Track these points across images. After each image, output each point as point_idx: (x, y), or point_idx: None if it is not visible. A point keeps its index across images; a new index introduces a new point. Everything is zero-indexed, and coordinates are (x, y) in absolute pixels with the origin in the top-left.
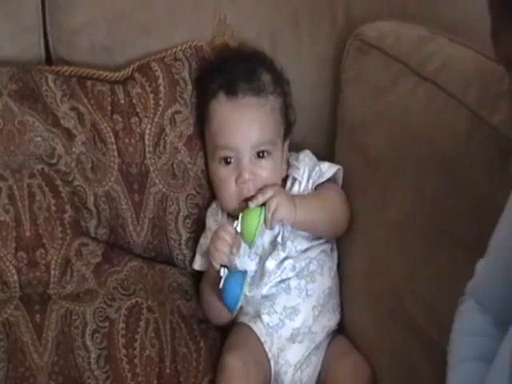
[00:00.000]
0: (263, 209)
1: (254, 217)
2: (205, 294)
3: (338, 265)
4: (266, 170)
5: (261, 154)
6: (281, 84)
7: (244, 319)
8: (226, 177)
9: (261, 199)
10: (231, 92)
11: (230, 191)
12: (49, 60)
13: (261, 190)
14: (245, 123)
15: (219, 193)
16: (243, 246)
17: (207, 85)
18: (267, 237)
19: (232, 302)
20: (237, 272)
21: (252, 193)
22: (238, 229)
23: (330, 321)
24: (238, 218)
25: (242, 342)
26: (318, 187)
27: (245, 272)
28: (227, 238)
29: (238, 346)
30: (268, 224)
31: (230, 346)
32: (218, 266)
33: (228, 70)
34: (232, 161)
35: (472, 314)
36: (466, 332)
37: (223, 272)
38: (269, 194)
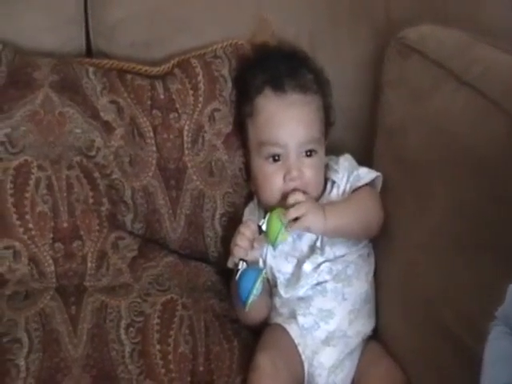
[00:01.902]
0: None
1: (278, 221)
2: (233, 298)
3: (375, 270)
4: (312, 169)
5: (308, 153)
6: (322, 84)
7: (278, 320)
8: (272, 173)
9: (292, 214)
10: (279, 88)
11: (276, 187)
12: (89, 53)
13: (291, 194)
14: (294, 120)
15: (263, 188)
16: (282, 248)
17: (251, 80)
18: (306, 240)
19: (244, 296)
20: (254, 268)
21: (298, 188)
22: (264, 227)
23: (365, 326)
24: (265, 217)
25: (274, 342)
26: (354, 191)
27: (261, 269)
28: (247, 233)
29: (270, 345)
30: (290, 226)
31: (263, 345)
32: (236, 260)
33: (272, 65)
34: (280, 158)
35: (503, 339)
36: (499, 357)
37: (241, 265)
38: (301, 209)
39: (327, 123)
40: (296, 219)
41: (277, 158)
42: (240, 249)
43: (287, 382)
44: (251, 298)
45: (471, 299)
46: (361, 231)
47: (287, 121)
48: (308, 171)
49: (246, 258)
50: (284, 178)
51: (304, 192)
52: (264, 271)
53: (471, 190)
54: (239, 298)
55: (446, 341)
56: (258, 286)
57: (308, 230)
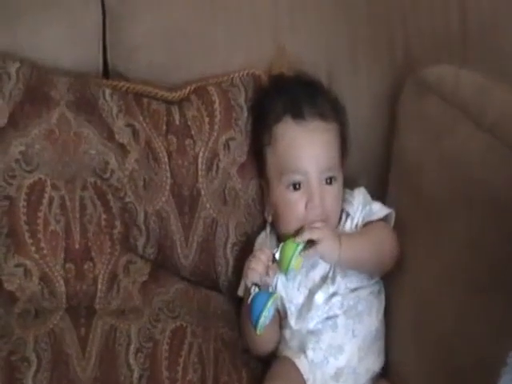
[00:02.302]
0: (302, 242)
1: (292, 246)
2: (243, 324)
3: (386, 307)
4: (332, 197)
5: (328, 181)
6: (339, 112)
7: (288, 353)
8: (295, 201)
9: (307, 235)
10: (298, 115)
11: (297, 215)
12: (106, 73)
13: (310, 226)
14: (314, 147)
15: (283, 217)
16: (294, 279)
17: (269, 109)
18: (319, 271)
19: (255, 320)
20: (266, 292)
21: (319, 218)
22: (277, 256)
23: (375, 364)
24: (278, 246)
25: (282, 375)
26: (367, 224)
27: (273, 293)
28: (263, 257)
29: (278, 377)
30: (305, 253)
31: (271, 377)
32: (249, 284)
33: (291, 93)
34: (301, 186)
35: None
36: None
37: (253, 290)
38: (316, 224)
39: (343, 153)
40: (311, 245)
41: (298, 186)
42: (255, 273)
43: None
44: (262, 320)
45: (486, 340)
46: (375, 264)
47: (308, 147)
48: (329, 199)
49: (259, 283)
50: (306, 205)
51: (324, 221)
52: (276, 294)
53: (487, 230)
54: (251, 321)
55: (460, 382)
56: (270, 307)
57: (322, 256)
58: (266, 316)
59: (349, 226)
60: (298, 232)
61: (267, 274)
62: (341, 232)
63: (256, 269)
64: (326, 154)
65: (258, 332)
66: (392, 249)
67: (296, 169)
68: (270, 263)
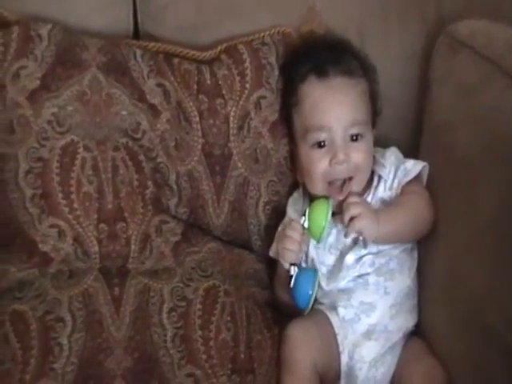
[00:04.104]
0: (330, 202)
1: (322, 211)
2: (276, 289)
3: (418, 265)
4: (359, 153)
5: (354, 137)
6: (368, 70)
7: (320, 307)
8: (319, 158)
9: (347, 215)
10: (322, 73)
11: (322, 171)
12: (136, 34)
13: (345, 206)
14: (338, 103)
15: (309, 175)
16: (325, 241)
17: (295, 69)
18: None
19: (304, 302)
20: (308, 270)
21: (344, 175)
22: (306, 224)
23: (407, 321)
24: (305, 214)
25: (314, 320)
26: (403, 187)
27: (316, 270)
28: (295, 235)
29: (304, 318)
30: (345, 231)
31: (303, 318)
32: (287, 265)
33: (317, 53)
34: (326, 144)
35: None
36: None
37: (293, 271)
38: (354, 199)
39: (374, 111)
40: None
41: (322, 143)
42: (292, 253)
43: (320, 351)
44: (311, 302)
45: None
46: (412, 236)
47: (331, 104)
48: (355, 155)
49: (296, 262)
50: (330, 162)
51: (351, 178)
52: (317, 271)
53: None
54: (297, 303)
55: (491, 341)
56: (317, 288)
57: (360, 233)
58: (314, 296)
59: (382, 189)
60: (327, 190)
61: (301, 249)
62: (373, 196)
63: (291, 249)
64: (351, 110)
65: (306, 311)
66: (428, 217)
67: (320, 126)
68: (303, 235)
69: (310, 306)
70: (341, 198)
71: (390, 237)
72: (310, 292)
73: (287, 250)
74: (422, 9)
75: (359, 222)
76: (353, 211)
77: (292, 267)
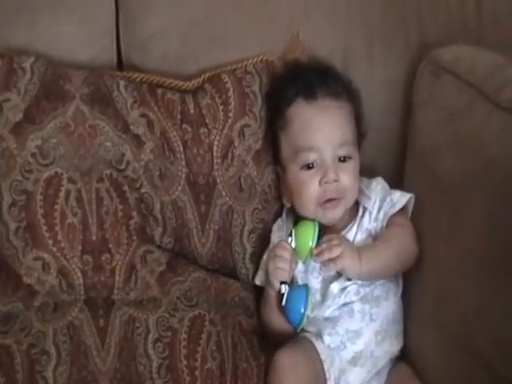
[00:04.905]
0: (316, 224)
1: (308, 232)
2: (264, 314)
3: (405, 289)
4: (348, 173)
5: (342, 159)
6: (353, 95)
7: (306, 335)
8: (308, 180)
9: (327, 256)
10: (310, 95)
11: (312, 193)
12: (120, 66)
13: (327, 237)
14: (327, 124)
15: (299, 196)
16: (309, 264)
17: (282, 93)
18: None
19: (297, 319)
20: (299, 287)
21: (335, 195)
22: (293, 244)
23: (393, 346)
24: (291, 234)
25: (296, 344)
26: (389, 219)
27: (306, 286)
28: (286, 254)
29: (291, 345)
30: (326, 268)
31: (290, 345)
32: (277, 284)
33: (303, 76)
34: (315, 165)
35: None
36: None
37: (284, 289)
38: (335, 241)
39: (359, 134)
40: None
41: (311, 165)
42: (283, 271)
43: (307, 379)
44: (305, 319)
45: (505, 324)
46: (396, 271)
47: (320, 125)
48: (344, 176)
49: (287, 280)
50: (320, 182)
51: (340, 199)
52: (308, 287)
53: (506, 211)
54: (290, 322)
55: (479, 367)
56: (309, 304)
57: (343, 272)
58: (307, 312)
59: (367, 220)
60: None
61: (292, 267)
62: (358, 226)
63: (283, 267)
64: (340, 130)
65: (299, 329)
66: (412, 251)
67: (309, 147)
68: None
69: (304, 323)
70: (334, 214)
71: (373, 273)
72: (302, 309)
73: (278, 269)
74: (405, 35)
75: (340, 262)
76: (333, 253)
77: (283, 285)
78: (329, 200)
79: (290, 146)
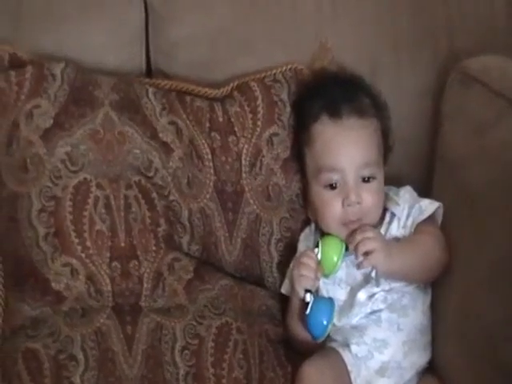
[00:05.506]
0: (343, 243)
1: (335, 247)
2: (288, 323)
3: (431, 301)
4: (371, 194)
5: (366, 179)
6: (380, 108)
7: (332, 344)
8: (330, 200)
9: (362, 249)
10: (335, 114)
11: (335, 214)
12: (148, 72)
13: (360, 229)
14: (350, 144)
15: (321, 216)
16: (335, 275)
17: (308, 108)
18: (361, 269)
19: (318, 330)
20: (324, 299)
21: (357, 216)
22: (319, 256)
23: (420, 358)
24: (317, 245)
25: (323, 356)
26: (417, 226)
27: (332, 300)
28: (311, 262)
29: (318, 357)
30: (359, 264)
31: (316, 357)
32: (302, 292)
33: (329, 92)
34: (337, 185)
35: None
36: None
37: (310, 298)
38: (369, 234)
39: (386, 148)
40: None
41: (334, 185)
42: (308, 279)
43: None
44: (327, 331)
45: None
46: (423, 276)
47: (343, 145)
48: (367, 196)
49: (312, 289)
50: (342, 203)
51: (362, 219)
52: (333, 299)
53: None
54: (310, 331)
55: (505, 381)
56: (334, 317)
57: (374, 267)
58: (330, 325)
59: (395, 226)
60: (340, 230)
61: (317, 277)
62: (386, 232)
63: (308, 276)
64: (363, 151)
65: (319, 341)
66: (441, 258)
67: (332, 167)
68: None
69: (325, 334)
70: (351, 245)
71: (401, 273)
72: (325, 322)
73: (303, 277)
74: (434, 45)
75: (374, 257)
76: (368, 246)
77: (308, 294)
78: (352, 221)
79: (314, 163)
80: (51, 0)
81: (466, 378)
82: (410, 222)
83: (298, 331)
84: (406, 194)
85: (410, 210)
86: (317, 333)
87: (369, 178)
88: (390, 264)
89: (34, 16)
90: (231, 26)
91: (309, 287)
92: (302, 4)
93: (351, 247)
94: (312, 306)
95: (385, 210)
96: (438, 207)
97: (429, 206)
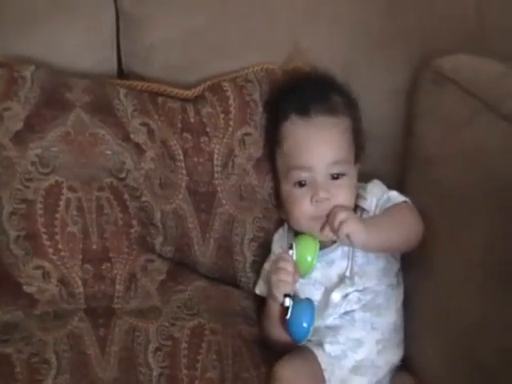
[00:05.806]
0: (317, 242)
1: (309, 247)
2: (265, 326)
3: (404, 299)
4: (340, 189)
5: (335, 176)
6: (351, 106)
7: (307, 344)
8: (299, 197)
9: (336, 222)
10: (304, 112)
11: (304, 210)
12: (121, 74)
13: (332, 214)
14: (320, 142)
15: (292, 213)
16: (310, 276)
17: (278, 107)
18: (336, 269)
19: (300, 333)
20: (303, 301)
21: (326, 212)
22: (294, 257)
23: (394, 356)
24: (291, 247)
25: (297, 355)
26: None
27: (311, 301)
28: (288, 267)
29: (292, 357)
30: (336, 235)
31: (290, 357)
32: (281, 298)
33: (299, 91)
34: (307, 183)
35: None
36: None
37: (289, 302)
38: (342, 215)
39: (358, 147)
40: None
41: (303, 182)
42: (287, 284)
43: None
44: (310, 334)
45: (508, 335)
46: (401, 244)
47: (313, 143)
48: (337, 192)
49: (290, 293)
50: (311, 200)
51: None
52: (313, 302)
53: (507, 225)
54: (292, 335)
55: (481, 377)
56: (314, 319)
57: (350, 238)
58: (312, 327)
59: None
60: (311, 228)
61: (295, 280)
62: None
63: (286, 280)
64: (333, 149)
65: (300, 344)
66: (416, 224)
67: (301, 165)
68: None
69: (308, 337)
70: (322, 237)
71: (379, 243)
72: (306, 325)
73: (282, 282)
74: (406, 44)
75: (347, 226)
76: (340, 215)
77: (287, 299)
78: (321, 216)
79: (283, 163)
80: (22, 2)
81: (441, 374)
82: (378, 212)
83: (278, 334)
84: (374, 187)
85: (378, 201)
86: (299, 336)
87: (338, 174)
88: (365, 234)
89: (5, 18)
90: (204, 28)
91: (288, 292)
92: (274, 5)
93: (329, 234)
94: (292, 311)
95: (355, 207)
96: (405, 201)
97: (397, 197)
